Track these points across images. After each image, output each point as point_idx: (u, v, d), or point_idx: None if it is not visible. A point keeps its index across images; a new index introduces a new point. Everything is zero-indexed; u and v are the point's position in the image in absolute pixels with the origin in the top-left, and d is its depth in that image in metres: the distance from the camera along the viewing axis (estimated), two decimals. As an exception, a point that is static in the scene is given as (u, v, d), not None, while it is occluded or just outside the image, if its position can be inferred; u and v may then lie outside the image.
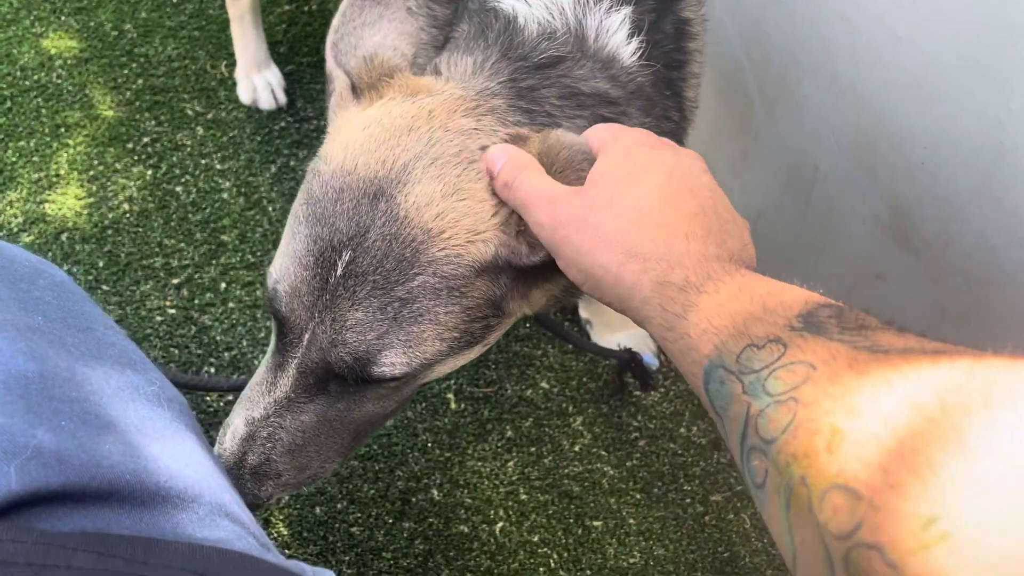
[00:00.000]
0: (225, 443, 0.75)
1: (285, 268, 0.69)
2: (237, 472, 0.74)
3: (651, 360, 1.31)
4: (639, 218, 0.57)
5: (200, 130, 1.50)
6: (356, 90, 0.73)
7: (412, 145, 0.67)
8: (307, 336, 0.68)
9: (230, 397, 1.23)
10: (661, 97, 0.80)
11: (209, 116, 1.52)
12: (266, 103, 1.53)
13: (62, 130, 1.47)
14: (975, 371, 0.36)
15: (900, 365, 0.38)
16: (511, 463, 1.23)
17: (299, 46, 1.64)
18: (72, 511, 0.49)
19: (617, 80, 0.75)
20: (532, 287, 0.71)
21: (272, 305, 0.71)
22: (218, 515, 0.55)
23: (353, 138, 0.69)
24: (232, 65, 1.56)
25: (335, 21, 0.76)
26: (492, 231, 0.66)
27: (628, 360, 1.23)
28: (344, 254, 0.65)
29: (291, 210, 0.72)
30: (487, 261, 0.67)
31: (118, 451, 0.52)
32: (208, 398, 1.24)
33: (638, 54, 0.76)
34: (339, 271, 0.65)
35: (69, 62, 1.55)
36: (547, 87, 0.73)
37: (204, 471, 0.58)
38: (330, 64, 0.75)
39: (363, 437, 0.78)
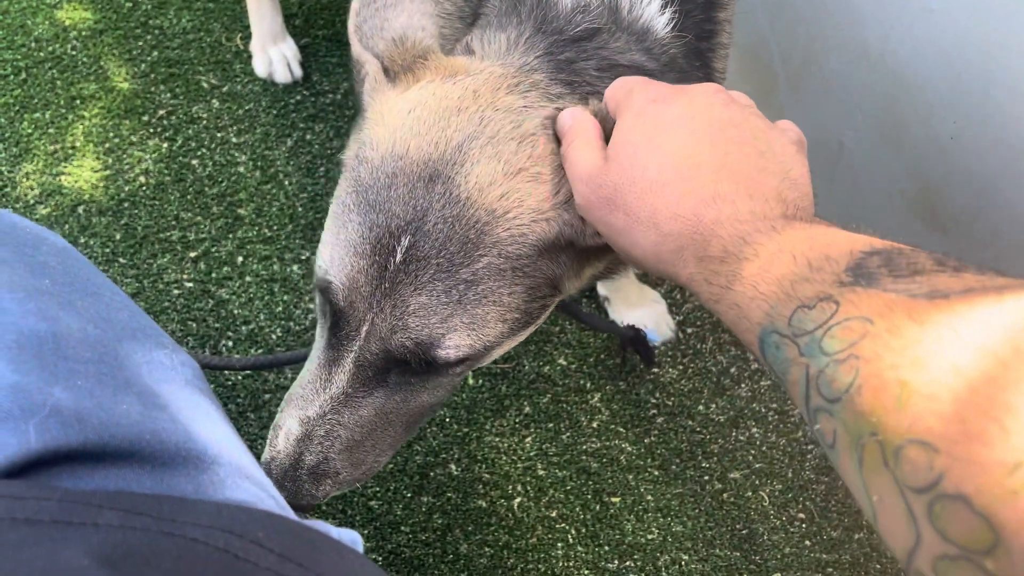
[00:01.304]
0: (279, 445, 0.73)
1: (339, 259, 0.67)
2: (294, 474, 0.72)
3: (653, 337, 1.30)
4: (663, 190, 0.55)
5: (216, 103, 1.49)
6: (389, 73, 0.72)
7: (464, 126, 0.66)
8: (365, 327, 0.66)
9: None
10: (692, 68, 0.79)
11: (225, 89, 1.51)
12: (282, 76, 1.52)
13: (77, 102, 1.46)
14: None
15: (963, 310, 0.36)
16: (529, 439, 1.23)
17: (314, 19, 1.63)
18: (93, 470, 0.48)
19: (651, 52, 0.74)
20: (586, 264, 0.70)
21: (327, 298, 0.68)
22: (239, 476, 0.55)
23: (399, 122, 0.68)
24: (247, 38, 1.54)
25: (355, 4, 0.74)
26: (555, 210, 0.65)
27: (631, 337, 1.23)
28: (403, 239, 0.64)
29: (335, 201, 0.70)
30: (550, 240, 0.66)
31: (136, 411, 0.52)
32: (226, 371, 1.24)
33: (671, 25, 0.75)
34: (399, 257, 0.64)
35: (84, 33, 1.54)
36: (585, 60, 0.71)
37: (222, 433, 0.57)
38: (357, 49, 0.73)
39: (414, 428, 0.77)
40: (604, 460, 1.23)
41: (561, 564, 1.14)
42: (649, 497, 1.20)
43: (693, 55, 0.81)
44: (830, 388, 0.40)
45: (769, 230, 0.50)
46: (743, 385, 1.31)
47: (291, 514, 0.58)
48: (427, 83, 0.70)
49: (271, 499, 0.56)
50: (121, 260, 1.31)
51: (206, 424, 0.56)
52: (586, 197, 0.59)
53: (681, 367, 1.32)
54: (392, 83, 0.71)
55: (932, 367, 0.35)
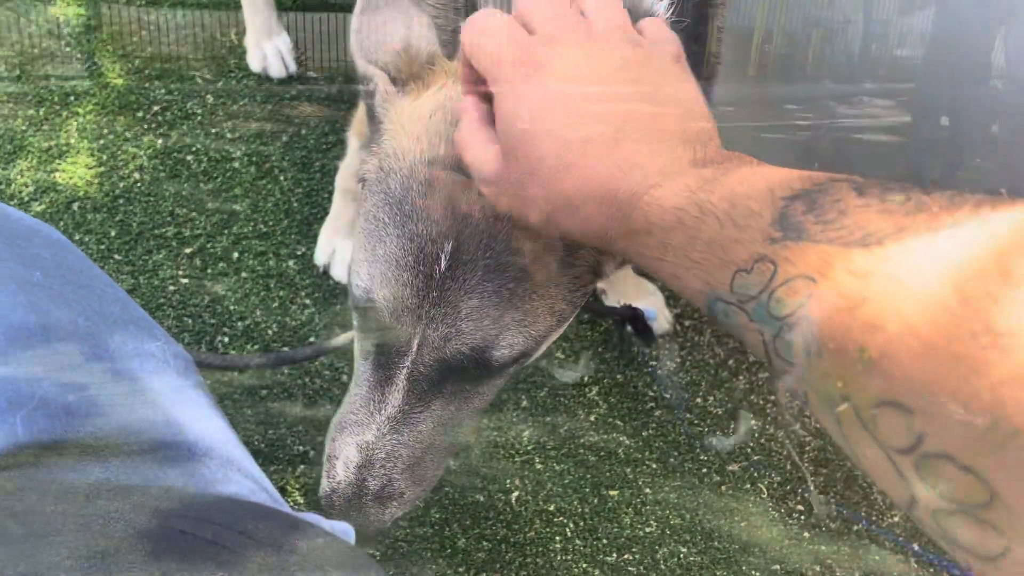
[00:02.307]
0: (338, 475, 0.70)
1: (380, 275, 0.65)
2: (359, 502, 0.70)
3: (652, 313, 1.29)
4: (569, 173, 0.50)
5: (210, 98, 1.48)
6: (397, 83, 0.71)
7: None
8: (416, 340, 0.65)
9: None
10: (690, 53, 0.78)
11: (219, 84, 1.50)
12: (276, 71, 1.51)
13: (71, 99, 1.45)
14: (988, 241, 0.33)
15: (901, 258, 0.35)
16: (527, 432, 1.23)
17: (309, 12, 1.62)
18: (81, 463, 0.48)
19: None
20: None
21: (370, 318, 0.67)
22: (230, 469, 0.54)
23: (422, 127, 0.66)
24: (242, 32, 1.54)
25: (354, 23, 0.74)
26: None
27: (630, 316, 1.22)
28: (447, 244, 0.62)
29: (365, 218, 0.68)
30: None
31: (126, 404, 0.51)
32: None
33: (672, 10, 0.75)
34: (443, 263, 0.62)
35: (77, 29, 1.54)
36: None
37: (214, 426, 0.57)
38: (361, 65, 0.72)
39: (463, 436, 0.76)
40: (602, 453, 1.22)
41: (559, 558, 1.14)
42: (647, 490, 1.20)
43: (692, 39, 0.80)
44: (790, 353, 0.39)
45: (684, 190, 0.47)
46: (741, 377, 1.31)
47: (285, 507, 0.57)
48: (440, 87, 0.69)
49: (263, 492, 0.56)
50: (116, 257, 1.30)
51: (198, 417, 0.56)
52: (497, 198, 0.56)
53: (679, 359, 1.32)
54: (402, 92, 0.70)
55: (887, 328, 0.34)
